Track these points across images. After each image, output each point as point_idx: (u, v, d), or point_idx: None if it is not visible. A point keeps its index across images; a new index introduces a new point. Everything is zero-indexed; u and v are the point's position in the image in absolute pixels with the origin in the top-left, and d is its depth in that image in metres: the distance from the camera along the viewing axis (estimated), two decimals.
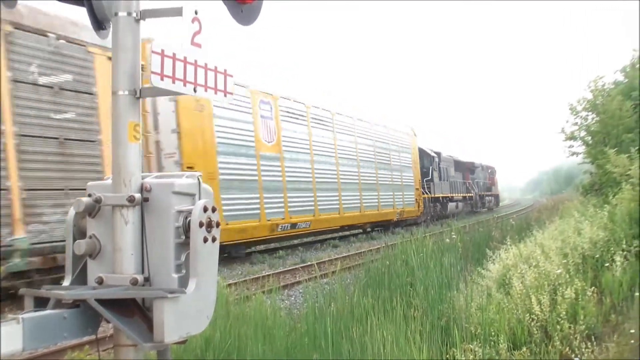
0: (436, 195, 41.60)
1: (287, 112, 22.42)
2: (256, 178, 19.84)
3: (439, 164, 43.45)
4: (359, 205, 27.83)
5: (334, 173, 25.95)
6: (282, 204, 21.33)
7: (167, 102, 16.43)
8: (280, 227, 21.14)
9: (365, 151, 29.63)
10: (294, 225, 22.13)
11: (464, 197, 50.88)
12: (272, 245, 23.81)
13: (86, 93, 13.11)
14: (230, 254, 19.24)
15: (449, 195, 45.27)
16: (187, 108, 16.84)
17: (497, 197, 69.92)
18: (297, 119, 23.25)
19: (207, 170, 16.55)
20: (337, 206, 25.53)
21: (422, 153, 39.65)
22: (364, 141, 29.62)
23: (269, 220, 20.33)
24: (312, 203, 23.62)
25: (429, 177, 40.50)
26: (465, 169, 53.84)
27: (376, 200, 30.01)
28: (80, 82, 13.03)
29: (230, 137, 18.77)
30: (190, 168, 16.14)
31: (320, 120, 25.57)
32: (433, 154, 42.55)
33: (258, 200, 19.76)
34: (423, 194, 37.89)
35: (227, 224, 17.31)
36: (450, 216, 41.01)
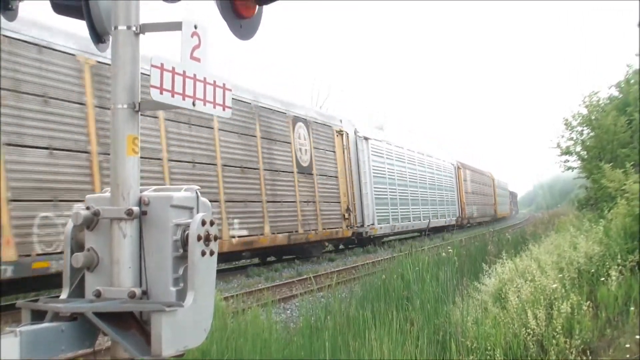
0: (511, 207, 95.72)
1: None
2: None
3: (510, 193, 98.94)
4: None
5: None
6: None
7: None
8: None
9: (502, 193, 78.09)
10: None
11: (512, 209, 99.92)
12: (269, 259, 23.85)
13: None
14: None
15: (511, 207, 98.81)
16: None
17: (517, 209, 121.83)
18: None
19: None
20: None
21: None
22: (501, 191, 78.45)
23: None
24: None
25: (511, 199, 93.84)
26: (509, 194, 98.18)
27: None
28: None
29: None
30: None
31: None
32: (510, 190, 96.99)
33: None
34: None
35: None
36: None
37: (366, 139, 30.27)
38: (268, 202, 20.75)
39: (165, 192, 2.98)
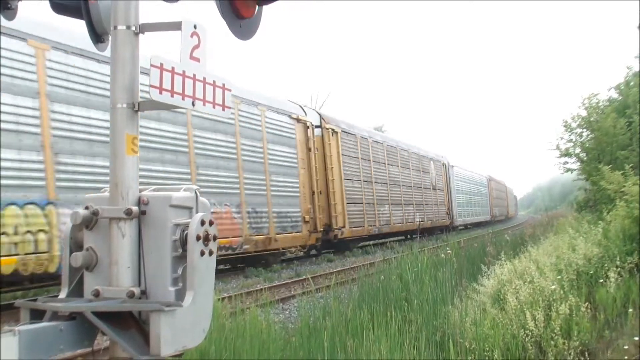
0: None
1: None
2: None
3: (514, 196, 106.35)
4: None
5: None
6: None
7: None
8: None
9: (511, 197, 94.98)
10: None
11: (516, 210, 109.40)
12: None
13: None
14: None
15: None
16: None
17: (518, 211, 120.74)
18: None
19: None
20: None
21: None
22: (510, 196, 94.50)
23: None
24: None
25: (515, 202, 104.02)
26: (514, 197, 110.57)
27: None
28: None
29: None
30: None
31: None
32: (514, 194, 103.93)
33: None
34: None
35: None
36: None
37: (452, 166, 49.19)
38: (424, 204, 39.27)
39: (164, 192, 2.98)
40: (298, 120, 22.73)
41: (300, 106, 24.23)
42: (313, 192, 23.16)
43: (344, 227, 25.49)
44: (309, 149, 23.15)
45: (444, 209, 44.19)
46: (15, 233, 11.44)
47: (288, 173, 21.54)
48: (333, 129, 25.54)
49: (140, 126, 3.00)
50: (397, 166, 34.55)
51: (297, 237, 21.86)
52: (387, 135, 37.46)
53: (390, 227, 31.92)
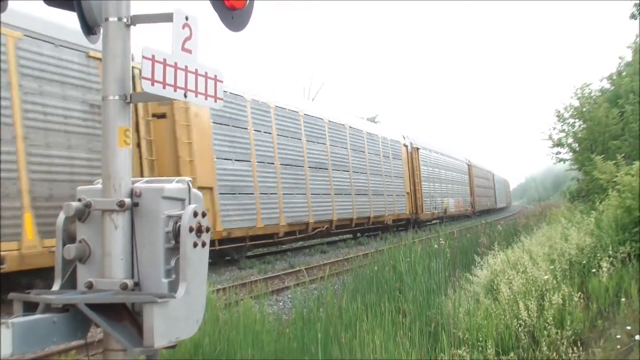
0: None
1: None
2: None
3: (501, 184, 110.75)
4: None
5: None
6: None
7: None
8: None
9: (509, 190, 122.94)
10: None
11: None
12: (261, 251, 23.84)
13: None
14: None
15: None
16: None
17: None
18: None
19: None
20: None
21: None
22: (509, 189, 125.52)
23: None
24: None
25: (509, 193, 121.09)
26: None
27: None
28: None
29: None
30: None
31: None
32: (504, 179, 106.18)
33: None
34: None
35: None
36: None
37: (494, 174, 79.34)
38: (488, 197, 71.19)
39: (157, 184, 2.98)
40: (467, 164, 56.42)
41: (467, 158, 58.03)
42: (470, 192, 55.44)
43: (475, 207, 56.61)
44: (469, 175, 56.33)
45: (493, 199, 75.56)
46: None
47: (465, 184, 53.87)
48: (471, 165, 58.44)
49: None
50: (483, 178, 66.37)
51: (470, 210, 51.14)
52: (479, 162, 66.85)
53: (482, 206, 61.86)
